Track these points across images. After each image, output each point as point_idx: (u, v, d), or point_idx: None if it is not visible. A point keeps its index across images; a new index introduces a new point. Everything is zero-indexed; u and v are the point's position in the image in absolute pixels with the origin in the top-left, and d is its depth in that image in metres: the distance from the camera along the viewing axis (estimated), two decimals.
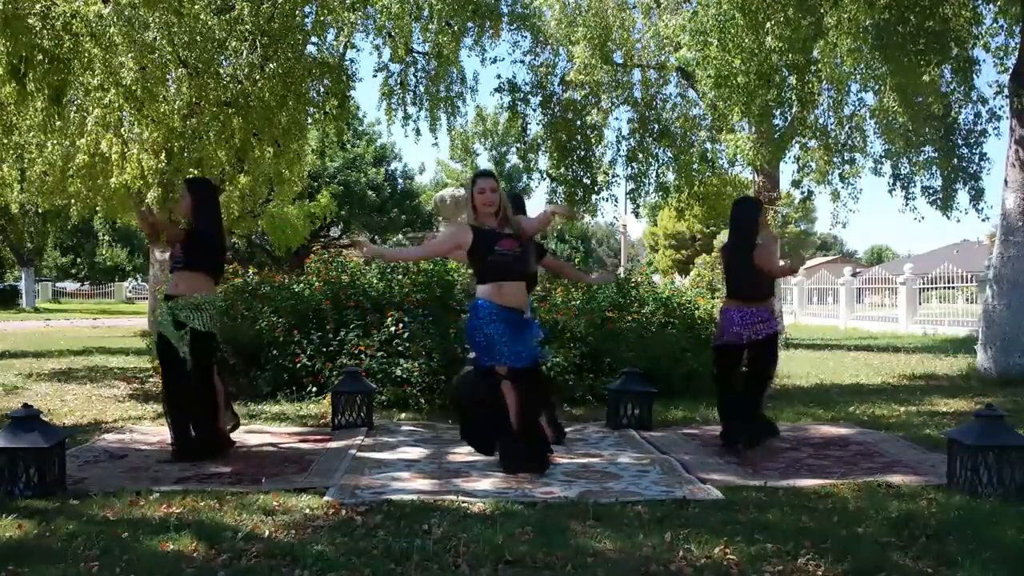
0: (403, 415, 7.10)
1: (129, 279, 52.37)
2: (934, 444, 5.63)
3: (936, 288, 21.35)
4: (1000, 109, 10.83)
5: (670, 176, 15.79)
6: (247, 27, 9.48)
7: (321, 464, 5.11)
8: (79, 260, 48.54)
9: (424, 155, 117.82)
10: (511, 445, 4.85)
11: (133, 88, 8.66)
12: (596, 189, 15.64)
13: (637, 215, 17.78)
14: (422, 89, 12.35)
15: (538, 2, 14.49)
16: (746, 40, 9.95)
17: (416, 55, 12.25)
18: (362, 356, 7.50)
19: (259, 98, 9.94)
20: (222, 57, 9.87)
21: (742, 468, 5.06)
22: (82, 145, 10.94)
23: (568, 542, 3.49)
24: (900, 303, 20.59)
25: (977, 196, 11.20)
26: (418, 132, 13.22)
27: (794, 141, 11.95)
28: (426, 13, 10.89)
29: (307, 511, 3.96)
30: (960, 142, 11.26)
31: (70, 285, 54.29)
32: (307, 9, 10.29)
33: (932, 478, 4.65)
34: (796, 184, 13.07)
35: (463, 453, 5.46)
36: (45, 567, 3.16)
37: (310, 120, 11.70)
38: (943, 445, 4.94)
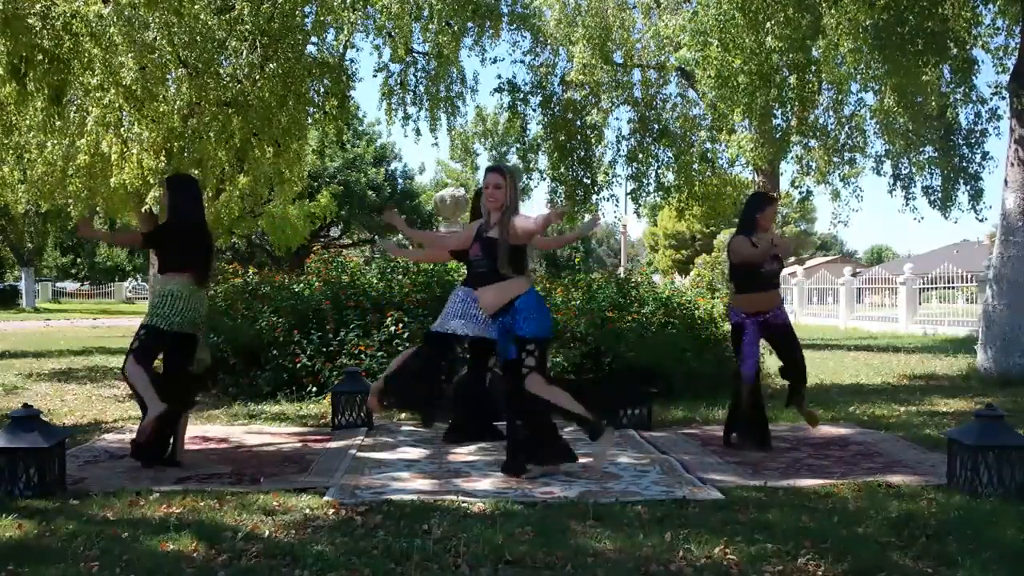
0: (403, 415, 7.10)
1: (129, 279, 52.37)
2: (934, 444, 5.63)
3: (936, 288, 21.35)
4: (999, 109, 10.84)
5: (670, 176, 15.79)
6: (247, 27, 9.48)
7: (321, 464, 5.12)
8: (79, 260, 48.53)
9: (424, 155, 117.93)
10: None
11: (133, 88, 8.66)
12: (596, 189, 15.64)
13: (638, 215, 17.79)
14: (422, 89, 12.35)
15: (538, 2, 14.49)
16: (746, 40, 9.96)
17: (416, 55, 12.25)
18: (362, 356, 7.50)
19: (259, 98, 9.94)
20: (222, 57, 9.87)
21: (742, 468, 5.06)
22: (82, 145, 10.93)
23: (568, 542, 3.49)
24: (900, 303, 20.59)
25: (976, 196, 11.20)
26: (418, 132, 13.22)
27: (794, 141, 11.95)
28: (426, 13, 10.88)
29: (307, 511, 3.96)
30: (960, 142, 11.26)
31: (70, 285, 54.29)
32: (307, 9, 10.30)
33: (932, 478, 4.65)
34: (796, 184, 13.08)
35: (463, 453, 5.46)
36: (45, 567, 3.16)
37: (310, 120, 11.69)
38: (943, 445, 4.94)
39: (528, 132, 15.41)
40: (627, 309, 8.48)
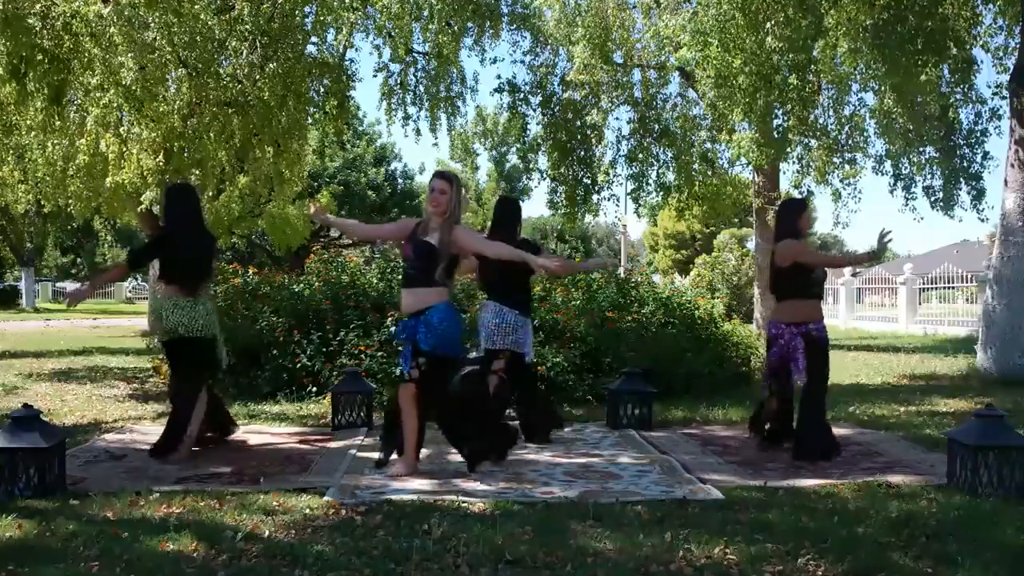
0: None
1: (129, 279, 52.34)
2: (934, 444, 5.63)
3: (936, 288, 21.35)
4: (1000, 109, 10.83)
5: (670, 176, 15.78)
6: (247, 27, 9.48)
7: (321, 464, 5.12)
8: (79, 260, 48.52)
9: (424, 155, 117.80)
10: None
11: (133, 88, 8.66)
12: (596, 189, 15.64)
13: (638, 215, 17.79)
14: (422, 89, 12.34)
15: (538, 2, 14.49)
16: (746, 40, 9.95)
17: (416, 55, 12.24)
18: (362, 356, 7.50)
19: (259, 98, 9.94)
20: (222, 57, 9.87)
21: (742, 468, 5.06)
22: (81, 145, 10.94)
23: (568, 542, 3.49)
24: (900, 303, 20.59)
25: (978, 196, 11.19)
26: (418, 132, 13.21)
27: (794, 141, 11.94)
28: (426, 13, 10.88)
29: (307, 511, 3.97)
30: (961, 142, 11.26)
31: (70, 285, 54.17)
32: (307, 9, 10.29)
33: (932, 478, 4.65)
34: (796, 184, 13.07)
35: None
36: (45, 567, 3.16)
37: (310, 120, 11.69)
38: (943, 445, 4.94)
39: (528, 132, 15.41)
40: (627, 309, 8.48)
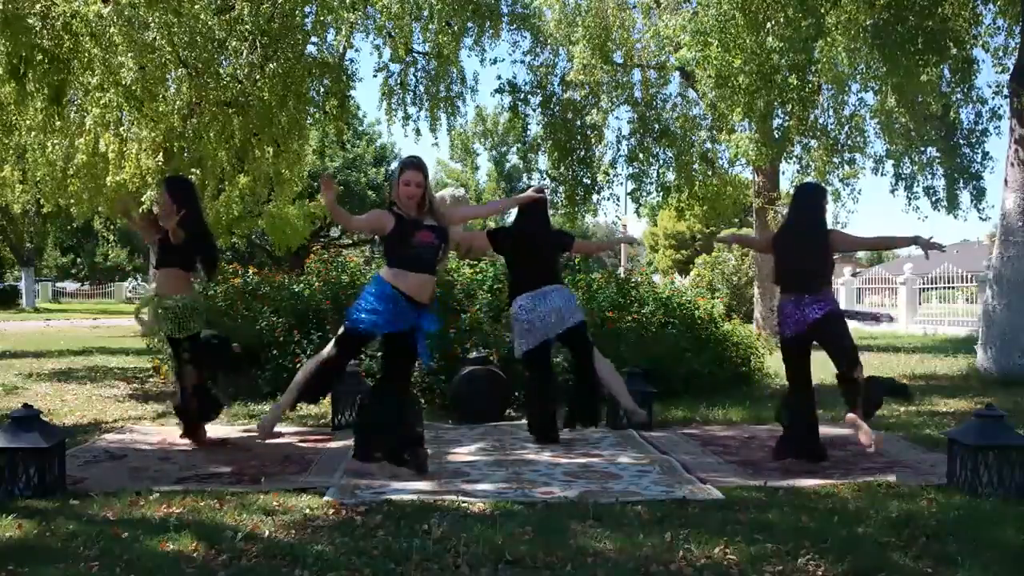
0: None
1: (129, 279, 52.33)
2: (934, 444, 5.63)
3: (936, 288, 21.35)
4: (1000, 108, 10.83)
5: (670, 176, 15.78)
6: (247, 27, 9.49)
7: (321, 464, 5.12)
8: (79, 260, 48.52)
9: (424, 155, 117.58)
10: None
11: (133, 88, 8.66)
12: (596, 189, 15.64)
13: (638, 215, 17.79)
14: (422, 89, 12.35)
15: (538, 2, 14.49)
16: (747, 40, 9.95)
17: (416, 55, 12.25)
18: (362, 356, 7.49)
19: (259, 98, 9.95)
20: (222, 57, 9.87)
21: (742, 468, 5.06)
22: (81, 145, 10.95)
23: (568, 542, 3.49)
24: (900, 303, 20.59)
25: (979, 195, 11.19)
26: (418, 132, 13.24)
27: (794, 141, 11.94)
28: (426, 13, 10.89)
29: (307, 511, 3.97)
30: (961, 142, 11.25)
31: (70, 285, 54.25)
32: (307, 9, 10.30)
33: (932, 478, 4.65)
34: (796, 184, 13.07)
35: (463, 453, 5.46)
36: (45, 567, 3.16)
37: (310, 120, 11.70)
38: (943, 445, 4.94)
39: (528, 132, 15.41)
40: (627, 309, 8.48)
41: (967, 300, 20.02)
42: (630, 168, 15.65)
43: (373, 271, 8.85)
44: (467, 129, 14.96)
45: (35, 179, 13.44)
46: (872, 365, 11.52)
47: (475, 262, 8.58)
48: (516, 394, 7.22)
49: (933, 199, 11.61)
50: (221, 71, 9.88)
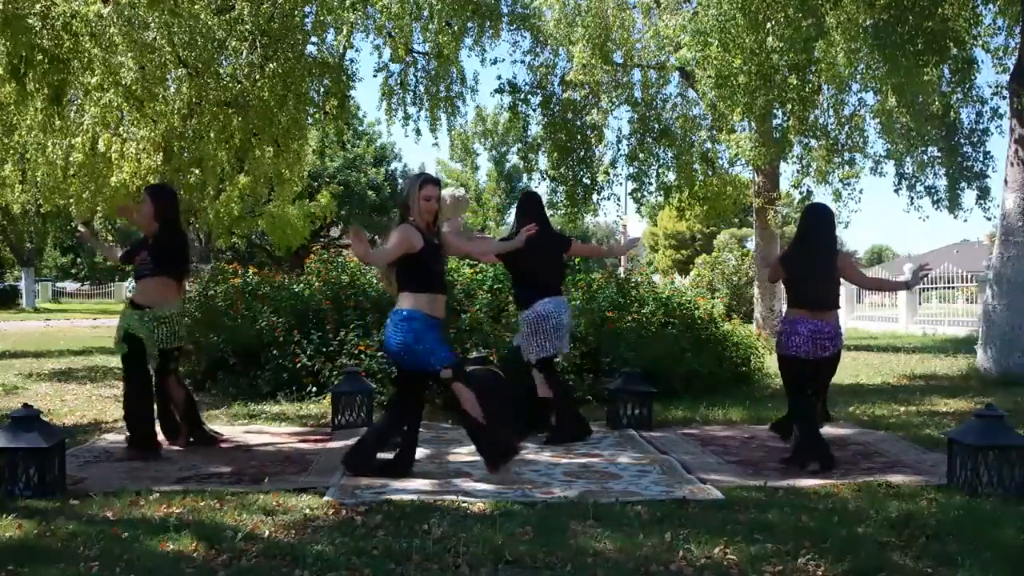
0: None
1: (129, 279, 52.29)
2: (934, 444, 5.63)
3: (936, 288, 21.34)
4: (1001, 108, 10.83)
5: (670, 176, 15.78)
6: (247, 27, 9.49)
7: (321, 464, 5.12)
8: (79, 260, 48.51)
9: (424, 155, 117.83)
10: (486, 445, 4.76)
11: (133, 88, 8.67)
12: (596, 189, 15.64)
13: (640, 215, 17.79)
14: (422, 89, 12.34)
15: (538, 2, 14.47)
16: (747, 40, 9.94)
17: (416, 55, 12.24)
18: (362, 356, 7.50)
19: (259, 98, 9.94)
20: (222, 57, 9.88)
21: (742, 468, 5.06)
22: (78, 144, 10.95)
23: (568, 542, 3.49)
24: (900, 303, 20.59)
25: (983, 195, 11.18)
26: (418, 132, 13.21)
27: (794, 141, 11.93)
28: (426, 13, 10.88)
29: (307, 511, 3.97)
30: (963, 141, 11.24)
31: (70, 285, 54.25)
32: (307, 9, 10.30)
33: (932, 478, 4.65)
34: (796, 184, 13.06)
35: (463, 453, 5.46)
36: (45, 567, 3.16)
37: (310, 120, 11.70)
38: (943, 445, 4.94)
39: (528, 132, 15.40)
40: (627, 309, 8.48)
41: (967, 300, 20.01)
42: (630, 168, 15.64)
43: (373, 271, 8.86)
44: (467, 129, 14.94)
45: (35, 179, 13.44)
46: (872, 365, 11.54)
47: (475, 262, 8.58)
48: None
49: (935, 199, 11.59)
50: (221, 71, 9.88)
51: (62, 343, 15.57)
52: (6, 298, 37.14)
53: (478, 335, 7.61)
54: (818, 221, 5.34)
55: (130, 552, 3.32)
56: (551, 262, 6.01)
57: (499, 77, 35.33)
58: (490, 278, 8.41)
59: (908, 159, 11.80)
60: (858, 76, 10.61)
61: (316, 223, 28.23)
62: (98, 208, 14.03)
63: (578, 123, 15.21)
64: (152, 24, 8.63)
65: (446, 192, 11.30)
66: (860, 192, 13.34)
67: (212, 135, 10.73)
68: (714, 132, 14.78)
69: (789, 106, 10.79)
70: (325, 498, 4.18)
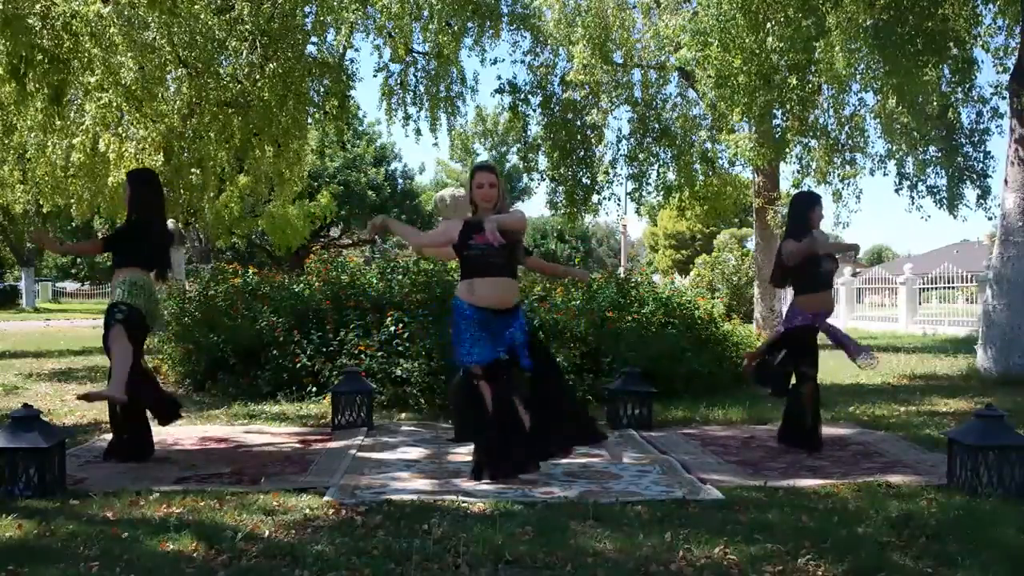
0: (403, 415, 7.10)
1: None
2: (934, 444, 5.63)
3: (936, 288, 21.35)
4: (1001, 108, 10.83)
5: (670, 176, 15.78)
6: (247, 27, 9.50)
7: (321, 464, 5.12)
8: (79, 260, 48.47)
9: (424, 155, 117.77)
10: (488, 449, 4.69)
11: (133, 88, 8.67)
12: (596, 189, 15.64)
13: (638, 215, 17.80)
14: (422, 89, 12.35)
15: (538, 2, 14.48)
16: (747, 40, 9.95)
17: (416, 55, 12.25)
18: (362, 356, 7.50)
19: (259, 98, 9.95)
20: (222, 57, 9.88)
21: (742, 468, 5.06)
22: (78, 144, 10.95)
23: (568, 542, 3.49)
24: (900, 303, 20.59)
25: (984, 194, 11.18)
26: (418, 132, 13.21)
27: (794, 141, 11.93)
28: (426, 13, 10.88)
29: (307, 511, 3.96)
30: (964, 141, 11.24)
31: (70, 285, 54.25)
32: (307, 9, 10.31)
33: (932, 478, 4.65)
34: (796, 184, 13.07)
35: (463, 453, 5.46)
36: (45, 567, 3.16)
37: (310, 120, 11.71)
38: (943, 445, 4.94)
39: (528, 132, 15.41)
40: (627, 309, 8.48)
41: (967, 300, 20.01)
42: (630, 168, 15.65)
43: (373, 271, 8.88)
44: (467, 129, 14.96)
45: (35, 179, 13.44)
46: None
47: None
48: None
49: (937, 198, 11.58)
50: (221, 71, 9.89)
51: (62, 343, 15.57)
52: (6, 298, 37.16)
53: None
54: (788, 208, 5.91)
55: (130, 552, 3.32)
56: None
57: (499, 77, 35.38)
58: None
59: (909, 159, 11.80)
60: (858, 76, 10.61)
61: (316, 223, 28.23)
62: (98, 208, 14.04)
63: (578, 123, 15.21)
64: (152, 24, 8.64)
65: (446, 192, 11.35)
66: (860, 192, 13.31)
67: (212, 135, 10.74)
68: (714, 132, 14.78)
69: (789, 106, 10.79)
70: (325, 498, 4.18)
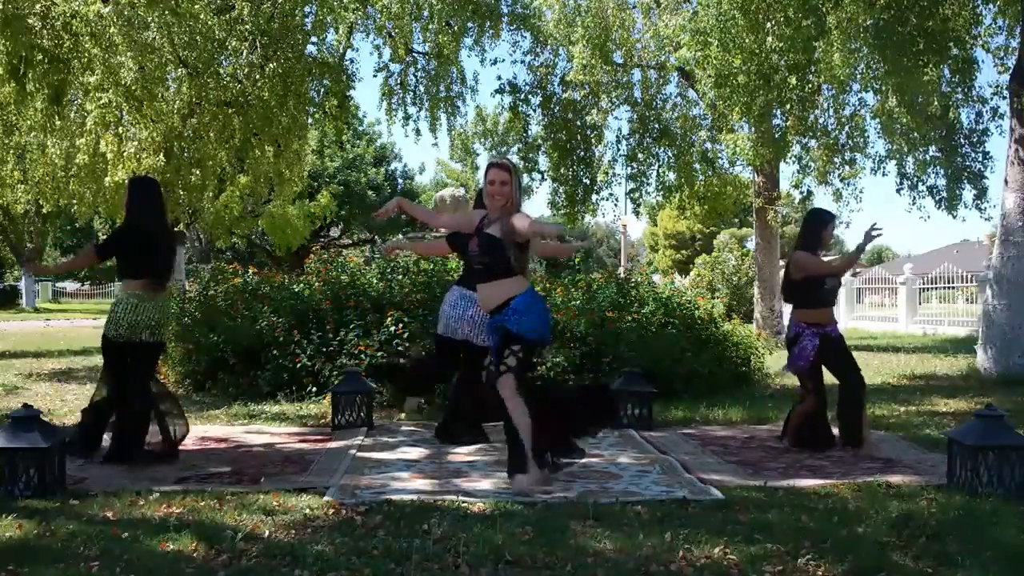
0: (403, 415, 7.10)
1: None
2: (934, 444, 5.63)
3: (936, 288, 21.34)
4: (1001, 108, 10.83)
5: (670, 176, 15.79)
6: (247, 27, 9.50)
7: (321, 464, 5.11)
8: None
9: (424, 155, 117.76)
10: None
11: (133, 88, 8.67)
12: (596, 189, 15.65)
13: (637, 215, 17.79)
14: (422, 89, 12.36)
15: (538, 2, 14.49)
16: (747, 40, 9.95)
17: (416, 55, 12.26)
18: (362, 356, 7.50)
19: (259, 98, 9.95)
20: (222, 57, 9.88)
21: (742, 468, 5.06)
22: (81, 145, 10.96)
23: (568, 542, 3.49)
24: (900, 303, 20.59)
25: (981, 195, 11.18)
26: (418, 132, 13.22)
27: (793, 141, 11.94)
28: (426, 13, 10.90)
29: (307, 511, 3.96)
30: (963, 141, 11.25)
31: (70, 285, 54.20)
32: (307, 9, 10.31)
33: (932, 478, 4.65)
34: (797, 184, 13.08)
35: (463, 453, 5.46)
36: (45, 567, 3.16)
37: (310, 120, 11.72)
38: (943, 445, 4.94)
39: (528, 132, 15.42)
40: (627, 309, 8.48)
41: (967, 300, 20.01)
42: (629, 168, 15.66)
43: (373, 271, 8.88)
44: (467, 129, 14.97)
45: (35, 179, 13.45)
46: (872, 365, 11.53)
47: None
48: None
49: (937, 198, 11.59)
50: (221, 71, 9.89)
51: (62, 343, 15.57)
52: (6, 298, 37.15)
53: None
54: (802, 223, 5.94)
55: (130, 552, 3.32)
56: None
57: (499, 77, 35.38)
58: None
59: (909, 159, 11.80)
60: (858, 76, 10.62)
61: (316, 223, 28.25)
62: (98, 208, 14.05)
63: (578, 123, 15.23)
64: (152, 24, 8.64)
65: (446, 192, 11.35)
66: (861, 192, 13.33)
67: (212, 135, 10.74)
68: (714, 132, 14.79)
69: (789, 106, 10.80)
70: (325, 498, 4.18)
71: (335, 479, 4.62)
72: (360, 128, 34.01)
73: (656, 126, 15.49)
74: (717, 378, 8.37)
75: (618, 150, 15.82)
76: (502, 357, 4.44)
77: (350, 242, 37.55)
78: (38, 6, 8.23)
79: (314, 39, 10.47)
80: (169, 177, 11.47)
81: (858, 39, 9.50)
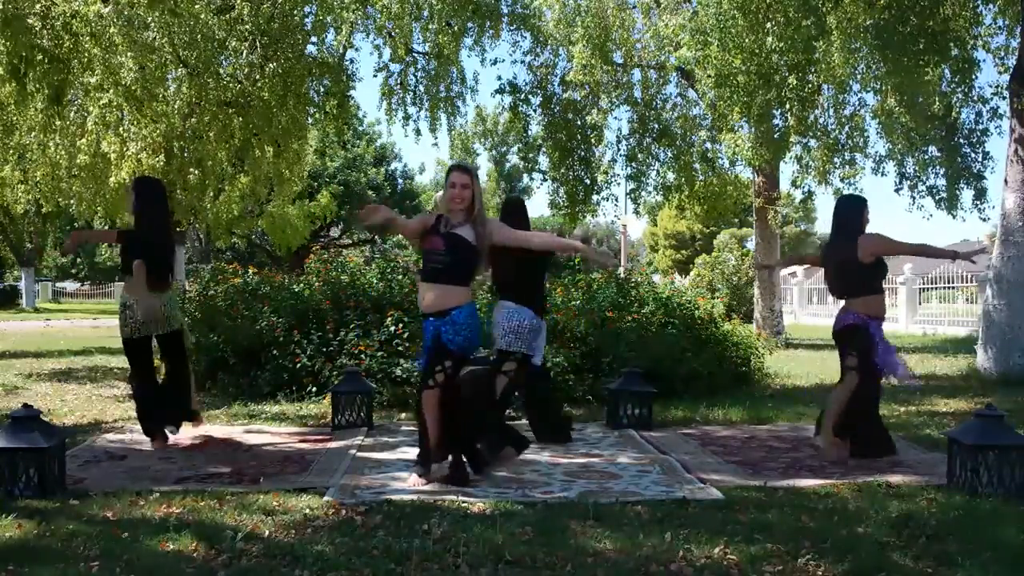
0: (403, 415, 7.10)
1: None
2: (934, 444, 5.63)
3: (936, 288, 21.33)
4: (1000, 108, 10.82)
5: (670, 176, 15.79)
6: (247, 27, 9.50)
7: (321, 464, 5.12)
8: (79, 260, 48.51)
9: (424, 155, 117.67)
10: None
11: (133, 88, 8.67)
12: (596, 189, 15.64)
13: (637, 215, 17.79)
14: (422, 89, 12.34)
15: (538, 2, 14.48)
16: (746, 40, 9.95)
17: (416, 55, 12.25)
18: (362, 356, 7.50)
19: (259, 98, 9.95)
20: (222, 57, 9.88)
21: (742, 468, 5.06)
22: (82, 145, 10.96)
23: (568, 542, 3.49)
24: (900, 303, 20.58)
25: (979, 195, 11.18)
26: (418, 132, 13.21)
27: (793, 141, 11.93)
28: (426, 13, 10.88)
29: (307, 511, 3.97)
30: (962, 141, 11.24)
31: (70, 285, 54.24)
32: (307, 9, 10.31)
33: (932, 478, 4.65)
34: (796, 184, 13.07)
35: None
36: (45, 567, 3.17)
37: (310, 120, 11.71)
38: (943, 445, 4.94)
39: (528, 132, 15.41)
40: (627, 309, 8.48)
41: (967, 300, 20.00)
42: (630, 168, 15.65)
43: (373, 271, 8.89)
44: (467, 129, 14.95)
45: (35, 179, 13.44)
46: None
47: None
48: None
49: (937, 198, 11.58)
50: (221, 71, 9.89)
51: (62, 343, 15.57)
52: (6, 298, 37.13)
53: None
54: (836, 213, 5.57)
55: (130, 552, 3.32)
56: (519, 269, 5.55)
57: (499, 77, 35.38)
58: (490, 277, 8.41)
59: (909, 159, 11.80)
60: (858, 76, 10.61)
61: (316, 223, 28.23)
62: (98, 208, 14.04)
63: (578, 123, 15.21)
64: (152, 24, 8.64)
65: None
66: (861, 191, 13.34)
67: (212, 135, 10.74)
68: (714, 132, 14.78)
69: (789, 106, 10.79)
70: (325, 498, 4.18)
71: (335, 479, 4.62)
72: (360, 128, 34.00)
73: (656, 126, 15.48)
74: (717, 378, 8.37)
75: (618, 150, 15.83)
76: (432, 372, 4.54)
77: (350, 242, 37.54)
78: (38, 6, 8.23)
79: (314, 39, 10.47)
80: (169, 177, 11.47)
81: (858, 39, 9.50)
